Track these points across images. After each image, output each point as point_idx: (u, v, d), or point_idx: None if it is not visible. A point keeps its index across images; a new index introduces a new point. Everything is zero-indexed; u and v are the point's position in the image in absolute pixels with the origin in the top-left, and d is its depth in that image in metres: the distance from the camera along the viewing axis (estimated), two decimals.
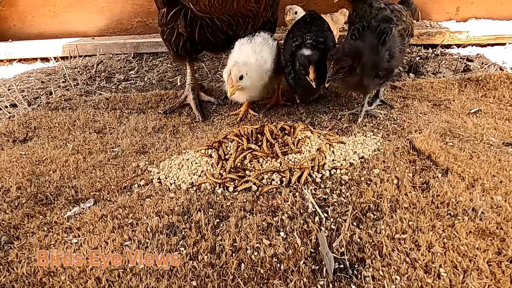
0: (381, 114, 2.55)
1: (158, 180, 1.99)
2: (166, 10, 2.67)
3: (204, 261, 1.42)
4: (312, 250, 1.44)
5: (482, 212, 1.54)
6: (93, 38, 4.91)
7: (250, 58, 2.45)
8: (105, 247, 1.51)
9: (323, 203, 1.70)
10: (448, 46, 4.21)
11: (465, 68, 3.50)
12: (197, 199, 1.79)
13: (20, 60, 4.67)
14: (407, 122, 2.42)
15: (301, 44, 2.46)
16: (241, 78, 2.36)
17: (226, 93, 2.79)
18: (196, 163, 2.05)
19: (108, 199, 1.87)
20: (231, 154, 2.01)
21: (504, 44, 4.22)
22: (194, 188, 1.90)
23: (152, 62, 4.31)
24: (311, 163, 1.92)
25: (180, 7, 2.60)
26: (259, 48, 2.50)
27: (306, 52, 2.39)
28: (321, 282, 1.31)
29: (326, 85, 2.25)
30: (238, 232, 1.55)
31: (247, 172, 1.93)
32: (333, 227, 1.55)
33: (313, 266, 1.37)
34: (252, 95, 2.56)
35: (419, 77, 3.39)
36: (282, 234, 1.53)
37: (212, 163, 2.02)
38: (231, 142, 2.09)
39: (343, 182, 1.84)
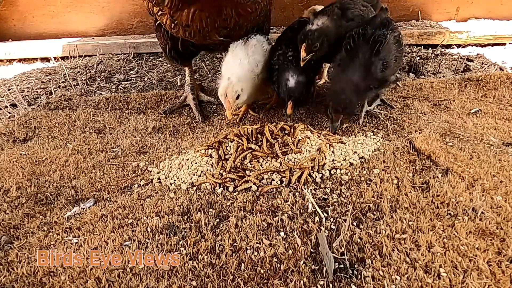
0: (381, 114, 2.54)
1: (158, 180, 1.99)
2: (154, 18, 2.68)
3: (204, 261, 1.42)
4: (312, 250, 1.44)
5: (482, 212, 1.54)
6: (93, 38, 4.91)
7: (243, 61, 2.41)
8: (105, 247, 1.51)
9: (323, 203, 1.70)
10: (448, 46, 4.20)
11: (465, 68, 3.50)
12: (197, 199, 1.79)
13: (20, 60, 4.66)
14: (407, 122, 2.42)
15: (283, 54, 2.42)
16: (237, 97, 2.33)
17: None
18: (196, 163, 2.05)
19: (108, 199, 1.88)
20: (231, 154, 2.01)
21: (504, 44, 4.22)
22: (194, 188, 1.90)
23: (152, 62, 4.31)
24: (311, 163, 1.92)
25: None
26: (252, 51, 2.47)
27: (291, 81, 2.31)
28: (321, 282, 1.31)
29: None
30: (238, 232, 1.55)
31: (247, 172, 1.93)
32: (333, 227, 1.55)
33: (313, 266, 1.38)
34: (247, 99, 2.50)
35: (419, 77, 3.39)
36: (282, 234, 1.53)
37: (212, 163, 2.02)
38: (231, 142, 2.09)
39: (343, 182, 1.84)
